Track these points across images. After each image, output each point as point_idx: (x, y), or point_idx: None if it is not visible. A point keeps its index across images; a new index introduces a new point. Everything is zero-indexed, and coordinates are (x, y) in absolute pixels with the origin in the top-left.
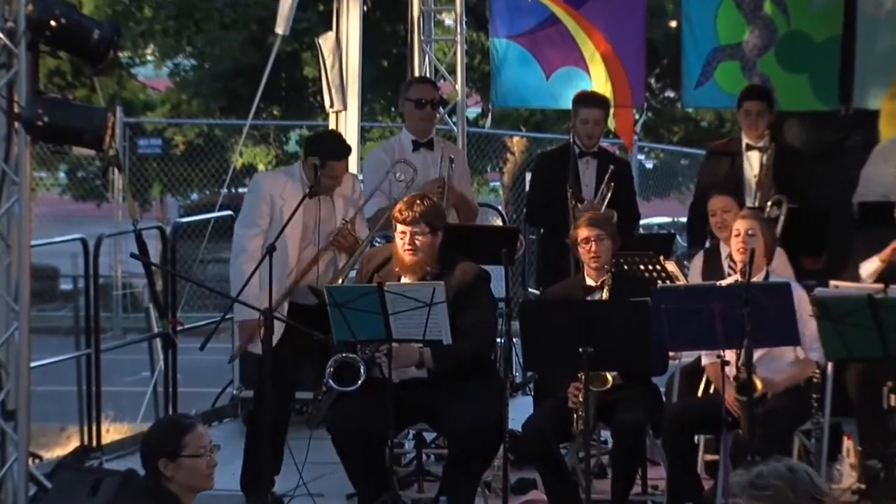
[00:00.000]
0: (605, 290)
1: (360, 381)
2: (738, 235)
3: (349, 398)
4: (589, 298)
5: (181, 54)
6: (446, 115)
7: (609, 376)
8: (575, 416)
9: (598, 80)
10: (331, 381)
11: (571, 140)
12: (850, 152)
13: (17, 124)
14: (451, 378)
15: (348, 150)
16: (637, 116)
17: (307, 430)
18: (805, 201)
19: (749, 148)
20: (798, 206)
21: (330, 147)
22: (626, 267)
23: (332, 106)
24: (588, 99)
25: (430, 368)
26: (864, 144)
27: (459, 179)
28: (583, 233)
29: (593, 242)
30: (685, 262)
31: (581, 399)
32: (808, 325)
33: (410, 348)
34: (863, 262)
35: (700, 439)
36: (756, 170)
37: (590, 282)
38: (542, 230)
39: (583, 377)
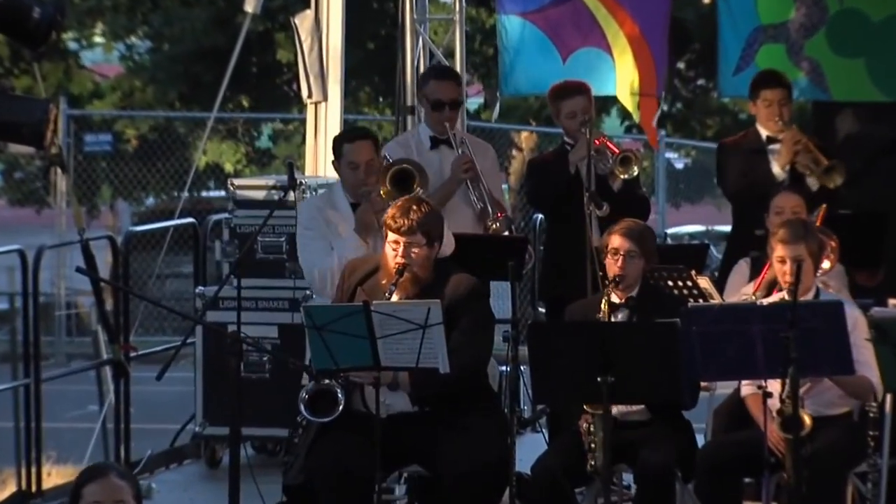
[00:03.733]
0: (627, 310)
1: (338, 409)
2: (782, 262)
3: (329, 437)
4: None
5: (134, 35)
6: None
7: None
8: (589, 452)
9: (624, 65)
10: (306, 413)
11: (564, 142)
12: None
13: None
14: (445, 411)
15: (364, 131)
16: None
17: (282, 475)
18: (860, 206)
19: (771, 141)
20: (851, 212)
21: (339, 136)
22: (651, 283)
23: (310, 96)
24: (565, 89)
25: (408, 393)
26: None
27: (487, 181)
28: (615, 242)
29: (622, 257)
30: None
31: (594, 433)
32: (864, 350)
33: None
34: None
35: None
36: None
37: (615, 298)
38: (549, 233)
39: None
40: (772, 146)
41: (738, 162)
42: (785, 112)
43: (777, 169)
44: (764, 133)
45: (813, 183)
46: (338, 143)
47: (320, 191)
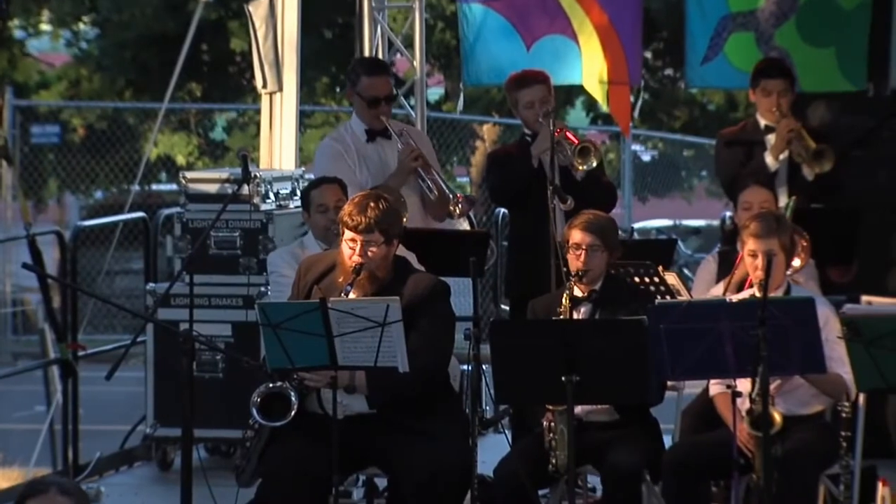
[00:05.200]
0: (590, 304)
1: (292, 413)
2: (754, 256)
3: (285, 438)
4: (575, 315)
5: (81, 21)
6: (402, 98)
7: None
8: (552, 452)
9: (591, 53)
10: (258, 417)
11: (523, 134)
12: (888, 142)
13: None
14: (404, 412)
15: (329, 178)
16: (633, 99)
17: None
18: (832, 200)
19: (769, 131)
20: (823, 207)
21: (305, 189)
22: (614, 275)
23: (264, 86)
24: (523, 79)
25: (365, 394)
26: None
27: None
28: (576, 236)
29: (584, 251)
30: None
31: (557, 433)
32: (836, 347)
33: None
34: None
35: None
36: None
37: (577, 292)
38: (512, 228)
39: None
40: (769, 136)
41: (734, 153)
42: (784, 102)
43: (770, 160)
44: (763, 123)
45: (809, 173)
46: (305, 194)
47: (276, 185)
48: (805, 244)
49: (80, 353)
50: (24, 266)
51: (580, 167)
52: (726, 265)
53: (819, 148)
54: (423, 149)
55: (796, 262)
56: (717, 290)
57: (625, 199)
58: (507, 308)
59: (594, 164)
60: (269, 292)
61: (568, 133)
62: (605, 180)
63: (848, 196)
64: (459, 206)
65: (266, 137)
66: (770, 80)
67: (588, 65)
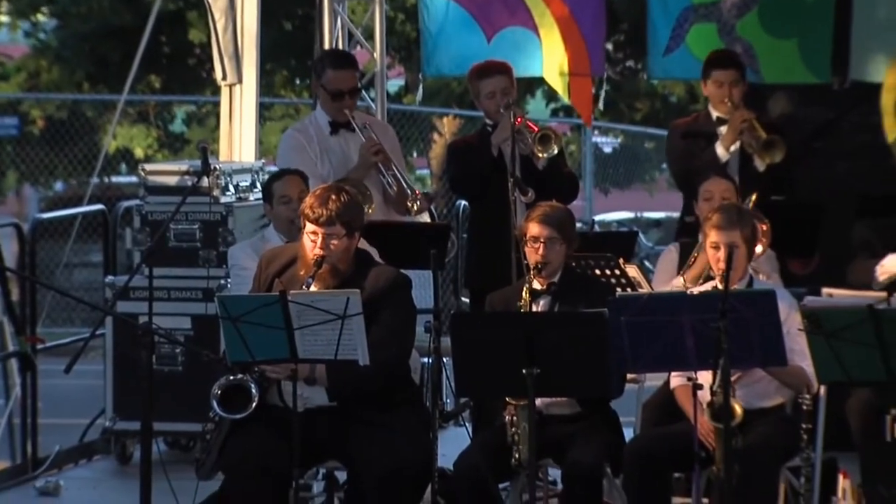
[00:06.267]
0: (549, 297)
1: (252, 405)
2: (716, 248)
3: (245, 431)
4: (534, 308)
5: (40, 13)
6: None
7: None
8: (513, 446)
9: (551, 45)
10: (218, 409)
11: (484, 125)
12: (847, 134)
13: None
14: (365, 405)
15: (291, 169)
16: (595, 90)
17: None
18: (792, 193)
19: (721, 123)
20: (783, 199)
21: (267, 180)
22: (577, 270)
23: (224, 78)
24: (485, 69)
25: (326, 387)
26: (863, 125)
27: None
28: (533, 229)
29: (542, 244)
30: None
31: (518, 426)
32: (798, 339)
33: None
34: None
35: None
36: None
37: (536, 285)
38: (473, 220)
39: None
40: (721, 128)
41: (686, 144)
42: (735, 93)
43: (721, 150)
44: (715, 114)
45: (760, 164)
46: (267, 186)
47: (236, 177)
48: (765, 228)
49: (39, 346)
50: None
51: (541, 155)
52: (688, 255)
53: (770, 138)
54: (386, 142)
55: (758, 249)
56: (677, 283)
57: (586, 192)
58: (468, 301)
59: (555, 151)
60: (229, 285)
61: (529, 122)
62: (567, 170)
63: (809, 188)
64: (418, 202)
65: (226, 129)
66: (721, 72)
67: (548, 56)
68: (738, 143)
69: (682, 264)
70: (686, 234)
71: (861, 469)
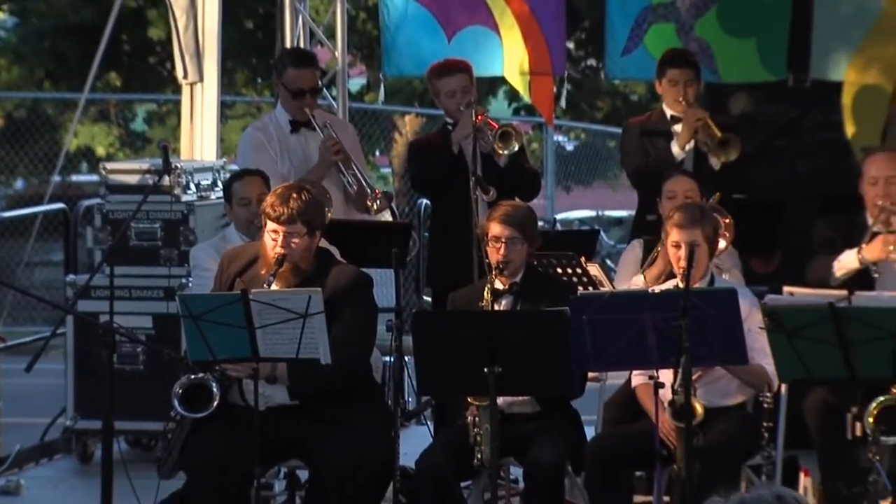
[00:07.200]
0: (511, 296)
1: (214, 404)
2: (677, 247)
3: (205, 430)
4: (496, 307)
5: None
6: (324, 88)
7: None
8: (476, 446)
9: (511, 44)
10: (179, 408)
11: (445, 123)
12: (809, 132)
13: None
14: (326, 404)
15: (252, 170)
16: (557, 89)
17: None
18: (753, 191)
19: (675, 121)
20: (746, 198)
21: (228, 179)
22: (539, 270)
23: (185, 76)
24: (445, 67)
25: (287, 386)
26: (825, 123)
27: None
28: (494, 229)
29: (504, 244)
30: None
31: (480, 426)
32: (759, 337)
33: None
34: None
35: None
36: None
37: (498, 285)
38: (435, 219)
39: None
40: (676, 126)
41: (641, 142)
42: (690, 92)
43: (676, 149)
44: (669, 113)
45: (715, 163)
46: (227, 186)
47: (197, 176)
48: (728, 223)
49: (0, 345)
50: None
51: (502, 152)
52: (650, 252)
53: (725, 137)
54: (346, 141)
55: (721, 244)
56: (638, 280)
57: (548, 190)
58: (430, 299)
59: (516, 149)
60: (191, 285)
61: (490, 119)
62: (529, 167)
63: (770, 186)
64: (378, 201)
65: (187, 128)
66: (676, 70)
67: (509, 56)
68: (692, 142)
69: (646, 261)
70: (644, 231)
71: (820, 467)
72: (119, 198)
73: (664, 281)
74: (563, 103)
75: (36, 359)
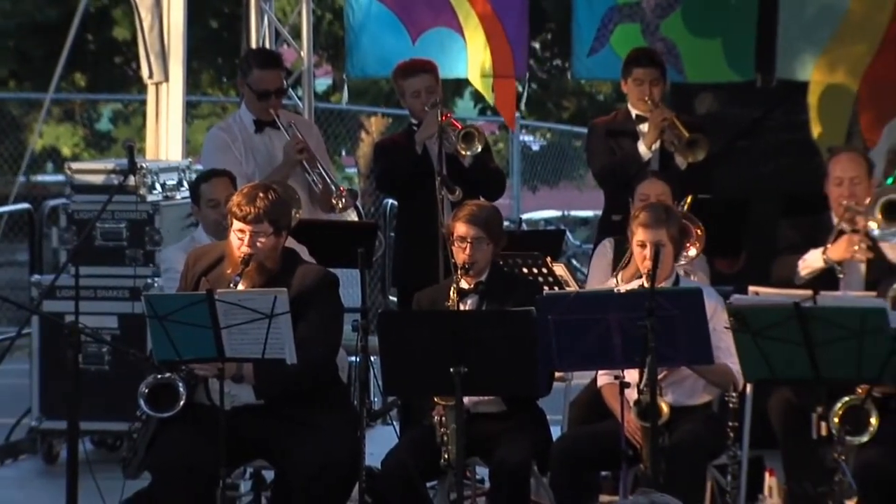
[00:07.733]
0: (477, 296)
1: (180, 403)
2: (643, 246)
3: (171, 430)
4: (462, 307)
5: None
6: (290, 88)
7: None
8: (442, 446)
9: (475, 46)
10: (145, 408)
11: (410, 124)
12: (773, 132)
13: None
14: (292, 403)
15: (220, 170)
16: (520, 89)
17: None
18: (718, 191)
19: (641, 120)
20: (711, 197)
21: (195, 180)
22: (505, 269)
23: (150, 76)
24: (410, 68)
25: (253, 385)
26: (788, 123)
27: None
28: (460, 229)
29: (469, 244)
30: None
31: (447, 425)
32: (724, 337)
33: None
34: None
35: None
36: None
37: (464, 284)
38: (401, 219)
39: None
40: (641, 126)
41: (606, 142)
42: (655, 92)
43: (643, 149)
44: (634, 112)
45: (681, 162)
46: (194, 187)
47: (163, 176)
48: (700, 233)
49: None
50: None
51: (465, 152)
52: (622, 252)
53: (693, 137)
54: (310, 140)
55: (692, 252)
56: (612, 283)
57: (514, 190)
58: (396, 299)
59: (479, 149)
60: (163, 288)
61: (454, 120)
62: (493, 166)
63: (735, 187)
64: (343, 199)
65: (152, 128)
66: (641, 70)
67: (473, 58)
68: (658, 142)
69: (618, 261)
70: (610, 231)
71: (785, 467)
72: (84, 198)
73: (629, 281)
74: (521, 105)
75: (1, 359)
